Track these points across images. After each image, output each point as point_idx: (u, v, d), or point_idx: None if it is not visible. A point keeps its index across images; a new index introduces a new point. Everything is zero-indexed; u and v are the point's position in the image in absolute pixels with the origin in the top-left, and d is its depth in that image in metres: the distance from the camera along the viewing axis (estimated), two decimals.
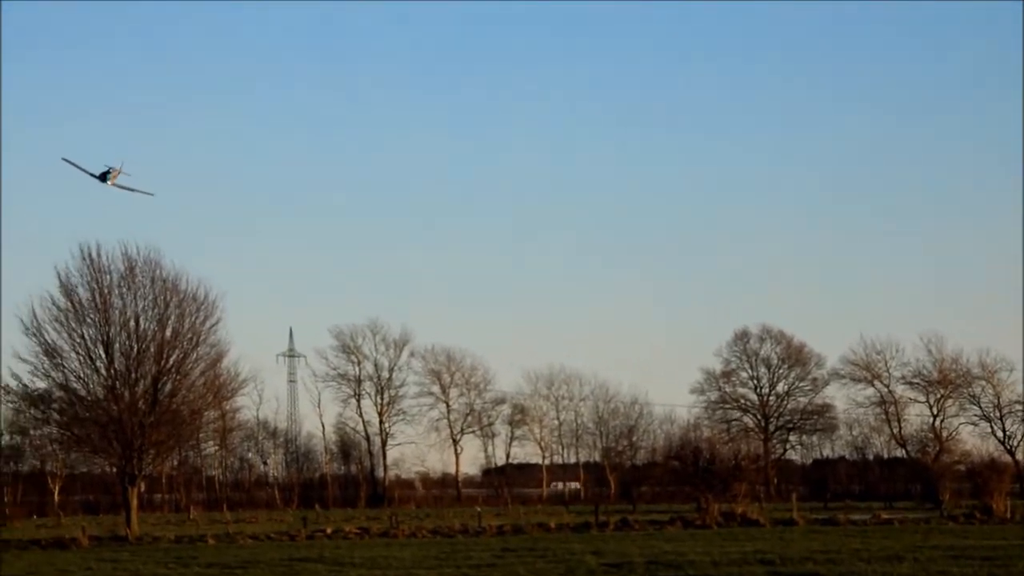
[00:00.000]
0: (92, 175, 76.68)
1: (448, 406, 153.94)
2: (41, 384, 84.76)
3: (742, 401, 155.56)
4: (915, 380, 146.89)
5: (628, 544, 58.68)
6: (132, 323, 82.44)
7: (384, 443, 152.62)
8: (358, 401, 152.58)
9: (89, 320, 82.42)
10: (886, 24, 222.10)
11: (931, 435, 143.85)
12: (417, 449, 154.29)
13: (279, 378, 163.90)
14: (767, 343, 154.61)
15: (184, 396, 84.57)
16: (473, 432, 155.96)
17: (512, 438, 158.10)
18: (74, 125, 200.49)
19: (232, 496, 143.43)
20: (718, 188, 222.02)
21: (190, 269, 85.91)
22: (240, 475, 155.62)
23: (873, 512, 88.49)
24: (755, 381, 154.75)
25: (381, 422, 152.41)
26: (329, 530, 76.14)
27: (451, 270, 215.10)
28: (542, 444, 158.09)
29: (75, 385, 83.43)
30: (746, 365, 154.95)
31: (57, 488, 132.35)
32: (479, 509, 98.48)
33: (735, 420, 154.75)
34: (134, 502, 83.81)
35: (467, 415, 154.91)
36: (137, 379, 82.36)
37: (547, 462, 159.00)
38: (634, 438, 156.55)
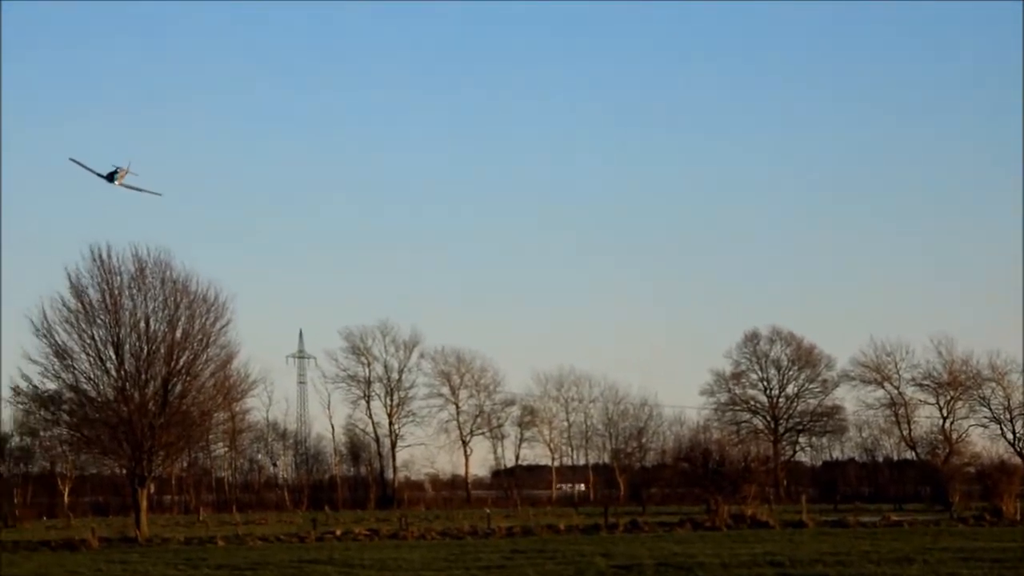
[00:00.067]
0: (99, 175, 76.77)
1: (458, 408, 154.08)
2: (51, 385, 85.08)
3: (752, 403, 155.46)
4: (925, 382, 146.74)
5: (638, 546, 58.63)
6: (142, 324, 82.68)
7: (394, 445, 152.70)
8: (368, 403, 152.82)
9: (99, 321, 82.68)
10: (886, 24, 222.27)
11: (941, 437, 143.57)
12: (427, 451, 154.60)
13: (289, 379, 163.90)
14: (777, 345, 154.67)
15: (194, 397, 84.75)
16: (483, 434, 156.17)
17: (521, 440, 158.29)
18: (79, 126, 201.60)
19: (242, 498, 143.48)
20: (728, 189, 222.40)
21: (200, 270, 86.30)
22: (250, 477, 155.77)
23: (883, 514, 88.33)
24: (765, 383, 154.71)
25: (391, 423, 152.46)
26: (338, 532, 76.15)
27: (461, 272, 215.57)
28: (551, 446, 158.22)
29: (85, 386, 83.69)
30: (756, 367, 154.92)
31: (67, 489, 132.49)
32: (488, 511, 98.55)
33: (745, 422, 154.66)
34: (144, 503, 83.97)
35: (476, 417, 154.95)
36: (147, 380, 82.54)
37: (556, 464, 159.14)
38: (643, 440, 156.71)
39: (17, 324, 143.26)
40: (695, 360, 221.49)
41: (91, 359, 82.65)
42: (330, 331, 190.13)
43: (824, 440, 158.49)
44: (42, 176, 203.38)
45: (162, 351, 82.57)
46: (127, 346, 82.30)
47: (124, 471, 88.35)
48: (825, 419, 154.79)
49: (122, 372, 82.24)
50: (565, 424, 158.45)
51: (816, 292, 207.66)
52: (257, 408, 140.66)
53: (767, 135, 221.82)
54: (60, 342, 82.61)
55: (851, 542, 58.76)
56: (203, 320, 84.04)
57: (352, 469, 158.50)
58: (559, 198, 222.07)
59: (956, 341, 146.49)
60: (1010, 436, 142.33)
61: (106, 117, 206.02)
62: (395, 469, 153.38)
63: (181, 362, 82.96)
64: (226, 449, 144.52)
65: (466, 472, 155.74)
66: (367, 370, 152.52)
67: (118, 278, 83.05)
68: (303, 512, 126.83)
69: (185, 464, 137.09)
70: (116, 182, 76.58)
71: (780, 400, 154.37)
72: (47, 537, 77.70)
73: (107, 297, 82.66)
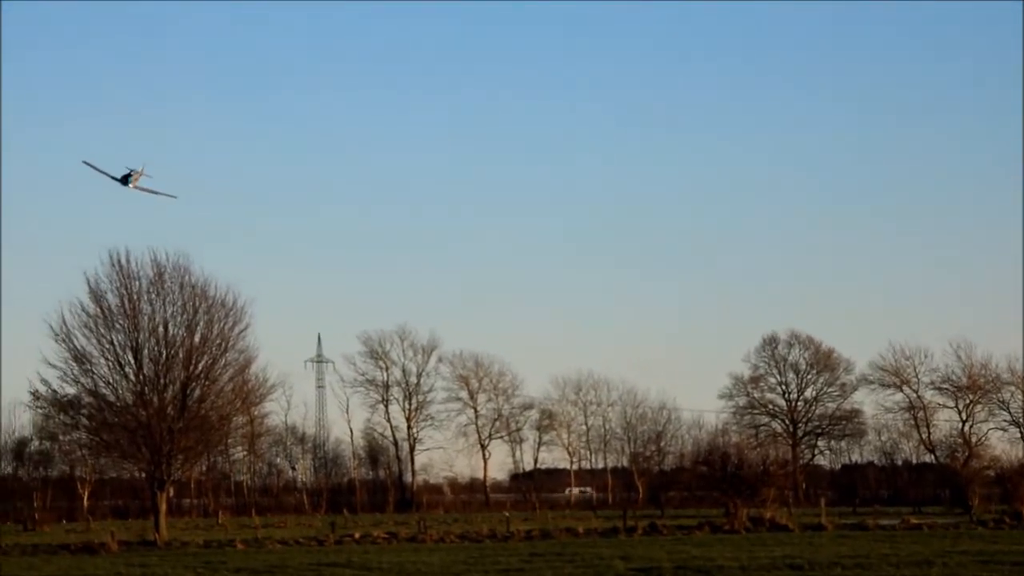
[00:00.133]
0: (113, 178, 76.78)
1: (476, 411, 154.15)
2: (70, 390, 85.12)
3: (770, 406, 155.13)
4: (944, 385, 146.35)
5: (656, 549, 58.60)
6: (161, 329, 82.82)
7: (412, 448, 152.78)
8: (386, 406, 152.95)
9: (118, 326, 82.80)
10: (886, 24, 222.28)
11: (960, 440, 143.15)
12: (445, 454, 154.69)
13: (308, 384, 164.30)
14: (795, 348, 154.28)
15: (213, 402, 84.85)
16: (501, 437, 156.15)
17: (540, 443, 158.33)
18: (79, 126, 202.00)
19: (260, 501, 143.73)
20: (746, 192, 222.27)
21: (218, 275, 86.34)
22: (268, 480, 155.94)
23: (902, 517, 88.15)
24: (783, 386, 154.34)
25: (409, 427, 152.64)
26: (357, 535, 76.15)
27: (479, 276, 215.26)
28: (570, 449, 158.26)
29: (104, 391, 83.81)
30: (774, 371, 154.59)
31: (86, 493, 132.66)
32: (507, 514, 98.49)
33: (763, 425, 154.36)
34: (163, 507, 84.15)
35: (495, 420, 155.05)
36: (166, 385, 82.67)
37: (575, 467, 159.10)
38: (662, 443, 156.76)
39: (38, 329, 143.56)
40: (714, 364, 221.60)
41: (110, 363, 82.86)
42: (349, 335, 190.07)
43: (843, 444, 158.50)
44: (53, 180, 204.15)
45: (181, 356, 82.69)
46: (146, 351, 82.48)
47: (143, 475, 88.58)
48: (844, 423, 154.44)
49: (141, 376, 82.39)
50: (583, 428, 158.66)
51: (835, 296, 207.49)
52: (276, 412, 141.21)
53: (785, 137, 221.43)
54: (79, 347, 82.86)
55: (870, 545, 58.68)
56: (222, 324, 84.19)
57: (371, 473, 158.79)
58: (578, 201, 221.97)
59: (975, 344, 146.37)
60: None
61: (106, 119, 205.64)
62: (413, 473, 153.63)
63: (200, 366, 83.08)
64: (245, 453, 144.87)
65: (484, 475, 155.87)
66: (385, 374, 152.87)
67: (137, 283, 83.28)
68: (322, 515, 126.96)
69: (204, 468, 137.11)
70: (130, 185, 76.54)
71: (799, 404, 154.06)
72: (66, 540, 77.88)
73: (126, 302, 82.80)
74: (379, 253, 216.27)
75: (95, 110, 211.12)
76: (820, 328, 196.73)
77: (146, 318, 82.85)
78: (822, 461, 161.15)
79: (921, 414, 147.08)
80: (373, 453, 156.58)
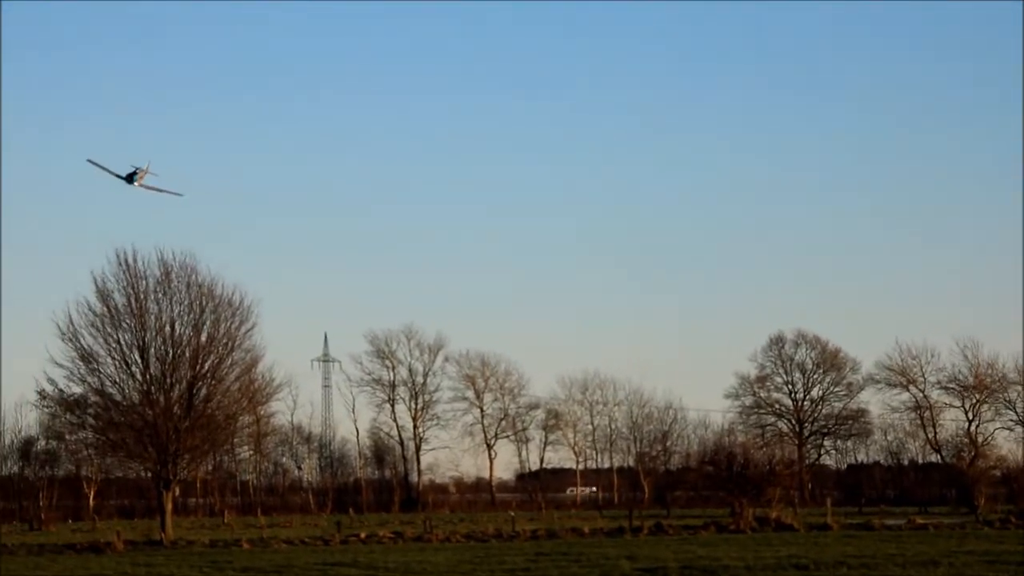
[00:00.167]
0: (118, 176, 76.76)
1: (482, 411, 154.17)
2: (77, 389, 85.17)
3: (777, 406, 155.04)
4: (950, 385, 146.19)
5: (662, 549, 58.60)
6: (168, 328, 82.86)
7: (418, 448, 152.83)
8: (392, 406, 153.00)
9: (125, 325, 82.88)
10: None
11: (966, 440, 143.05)
12: (451, 454, 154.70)
13: (314, 383, 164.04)
14: (802, 348, 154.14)
15: (219, 401, 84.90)
16: (507, 437, 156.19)
17: (546, 443, 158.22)
18: (79, 127, 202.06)
19: (266, 501, 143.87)
20: (753, 192, 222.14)
21: (224, 274, 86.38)
22: (274, 480, 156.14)
23: (908, 517, 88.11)
24: (790, 386, 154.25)
25: (415, 427, 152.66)
26: (363, 535, 76.22)
27: (485, 275, 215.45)
28: (576, 449, 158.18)
29: (111, 390, 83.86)
30: (781, 370, 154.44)
31: (92, 492, 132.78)
32: (513, 514, 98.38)
33: (769, 425, 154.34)
34: (169, 506, 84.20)
35: (501, 420, 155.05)
36: (172, 384, 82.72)
37: (581, 467, 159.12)
38: (668, 443, 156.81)
39: (46, 329, 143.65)
40: (720, 363, 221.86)
41: (116, 363, 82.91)
42: (355, 335, 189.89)
43: (849, 443, 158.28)
44: (57, 178, 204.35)
45: (187, 355, 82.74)
46: (152, 350, 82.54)
47: (149, 474, 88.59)
48: (850, 422, 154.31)
49: (147, 376, 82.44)
50: (589, 427, 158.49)
51: (841, 295, 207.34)
52: (282, 412, 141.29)
53: (791, 136, 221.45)
54: (86, 346, 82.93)
55: (876, 545, 58.67)
56: (228, 324, 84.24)
57: (376, 472, 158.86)
58: (585, 201, 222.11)
59: (981, 344, 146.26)
60: None
61: (106, 119, 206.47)
62: (419, 472, 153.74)
63: (206, 366, 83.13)
64: (251, 452, 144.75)
65: (490, 475, 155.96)
66: (392, 374, 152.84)
67: (143, 282, 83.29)
68: (327, 515, 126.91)
69: (210, 467, 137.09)
70: (136, 183, 76.52)
71: (805, 403, 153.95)
72: (72, 540, 77.96)
73: (132, 301, 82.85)
74: (386, 252, 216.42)
75: (97, 110, 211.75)
76: (827, 328, 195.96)
77: (153, 317, 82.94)
78: (828, 461, 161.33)
79: (927, 414, 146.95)
80: (379, 452, 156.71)
